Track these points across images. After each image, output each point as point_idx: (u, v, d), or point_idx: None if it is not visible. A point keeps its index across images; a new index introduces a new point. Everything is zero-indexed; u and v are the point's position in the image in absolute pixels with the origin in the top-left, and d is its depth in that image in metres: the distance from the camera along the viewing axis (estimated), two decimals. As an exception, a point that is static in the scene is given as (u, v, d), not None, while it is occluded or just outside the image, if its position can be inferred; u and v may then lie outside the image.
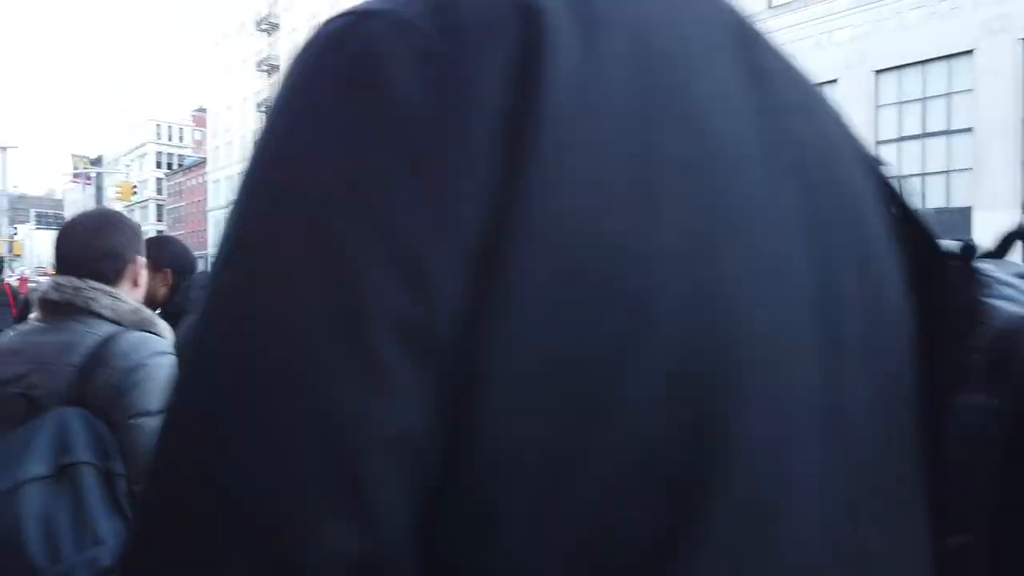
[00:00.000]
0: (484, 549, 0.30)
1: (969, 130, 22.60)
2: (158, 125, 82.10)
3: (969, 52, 22.07)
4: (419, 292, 0.30)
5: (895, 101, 23.99)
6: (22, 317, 6.02)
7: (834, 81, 24.74)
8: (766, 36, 0.44)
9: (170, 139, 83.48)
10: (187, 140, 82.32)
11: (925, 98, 23.71)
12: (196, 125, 78.22)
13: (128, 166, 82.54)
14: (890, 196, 0.45)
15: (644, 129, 0.34)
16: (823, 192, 0.40)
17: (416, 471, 0.29)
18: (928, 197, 23.67)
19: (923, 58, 22.86)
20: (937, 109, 23.52)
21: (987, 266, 0.45)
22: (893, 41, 22.96)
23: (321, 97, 0.33)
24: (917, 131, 23.80)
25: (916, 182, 23.53)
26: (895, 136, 23.82)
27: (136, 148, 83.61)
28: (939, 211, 23.19)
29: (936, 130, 23.38)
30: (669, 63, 0.36)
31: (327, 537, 0.28)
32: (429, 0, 0.34)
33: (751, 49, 0.41)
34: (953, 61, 22.90)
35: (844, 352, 0.38)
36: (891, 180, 0.46)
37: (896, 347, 0.41)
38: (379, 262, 0.30)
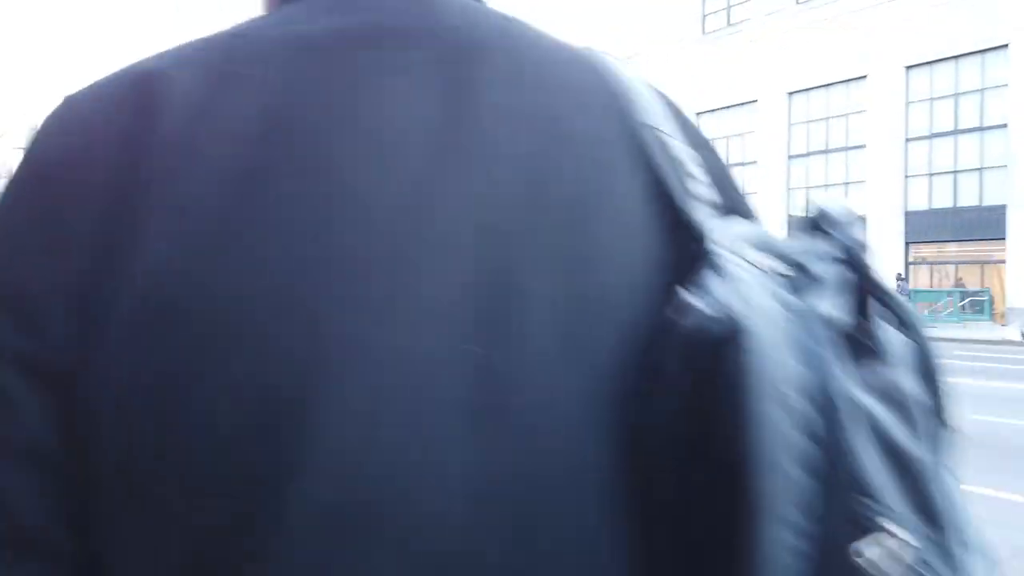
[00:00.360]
0: (101, 540, 0.38)
1: (1004, 126, 22.06)
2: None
3: (1004, 46, 21.52)
4: (31, 331, 0.37)
5: (926, 98, 23.52)
6: None
7: (863, 77, 24.32)
8: (503, 55, 0.47)
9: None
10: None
11: (957, 94, 23.21)
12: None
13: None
14: (664, 194, 0.47)
15: (249, 187, 0.39)
16: (516, 209, 0.43)
17: (49, 474, 0.37)
18: (960, 196, 23.14)
19: (956, 53, 22.37)
20: (970, 105, 23.02)
21: (744, 251, 0.44)
22: (924, 36, 22.49)
23: None
24: (949, 128, 23.32)
25: (948, 180, 23.02)
26: (927, 133, 23.34)
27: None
28: (972, 210, 22.65)
29: (969, 127, 22.88)
30: (299, 116, 0.41)
31: None
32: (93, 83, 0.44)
33: (464, 67, 0.45)
34: (987, 56, 22.37)
35: (512, 357, 0.41)
36: (661, 162, 0.47)
37: (607, 347, 0.43)
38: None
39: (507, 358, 0.41)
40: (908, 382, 0.40)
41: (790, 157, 26.02)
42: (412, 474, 0.38)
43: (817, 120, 25.42)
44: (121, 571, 0.37)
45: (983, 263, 22.71)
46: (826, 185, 25.19)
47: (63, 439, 0.37)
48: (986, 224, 21.92)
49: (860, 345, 0.40)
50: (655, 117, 0.50)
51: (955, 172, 22.65)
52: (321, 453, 0.37)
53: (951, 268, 23.58)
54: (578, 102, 0.49)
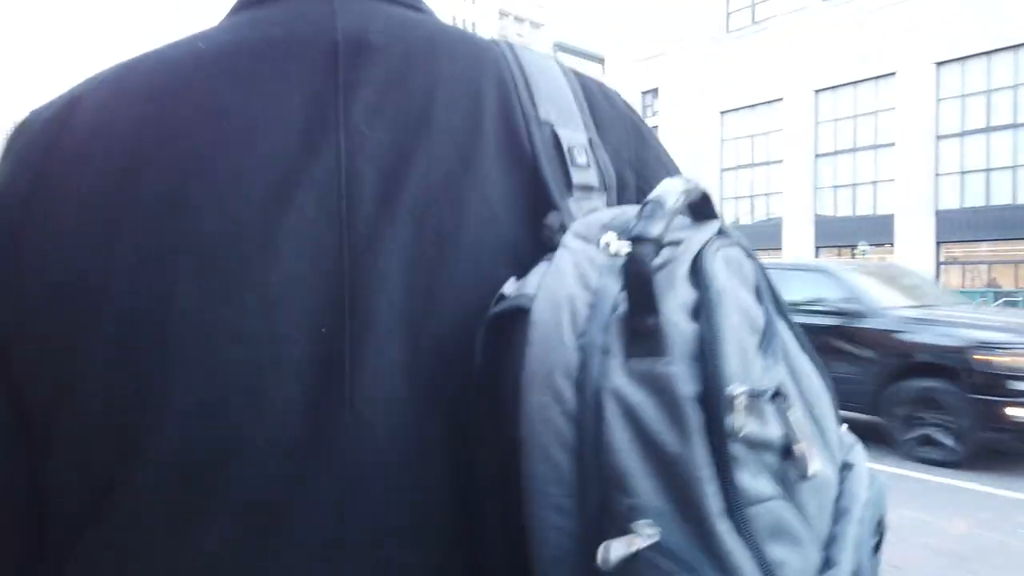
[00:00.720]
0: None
1: (1038, 123, 21.62)
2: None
3: (1038, 41, 21.06)
4: None
5: (958, 94, 23.09)
6: None
7: (892, 74, 23.92)
8: (388, 57, 0.52)
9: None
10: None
11: (990, 90, 22.76)
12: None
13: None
14: (541, 186, 0.50)
15: (127, 172, 0.47)
16: (370, 202, 0.48)
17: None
18: (993, 194, 22.68)
19: (988, 49, 21.93)
20: (1003, 101, 22.56)
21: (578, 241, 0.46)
22: (955, 31, 22.08)
23: None
24: (981, 125, 22.87)
25: (980, 178, 22.56)
26: (958, 131, 22.91)
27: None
28: (1005, 208, 22.18)
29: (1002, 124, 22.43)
30: (179, 113, 0.49)
31: None
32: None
33: (344, 69, 0.50)
34: (1020, 51, 21.91)
35: (355, 339, 0.45)
36: (542, 160, 0.51)
37: (446, 334, 0.46)
38: None
39: (352, 342, 0.45)
40: (680, 374, 0.39)
41: (817, 156, 25.66)
42: (247, 439, 0.44)
43: (845, 118, 25.04)
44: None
45: (1017, 263, 22.23)
46: (854, 184, 24.83)
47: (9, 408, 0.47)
48: (1020, 223, 21.46)
49: (639, 335, 0.40)
50: (554, 107, 0.53)
51: (987, 170, 22.18)
52: (168, 420, 0.43)
53: (983, 268, 23.10)
54: (452, 98, 0.52)
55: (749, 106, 27.57)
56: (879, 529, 0.48)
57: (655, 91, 31.72)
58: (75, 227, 0.47)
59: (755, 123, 27.57)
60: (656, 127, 31.60)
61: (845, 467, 0.48)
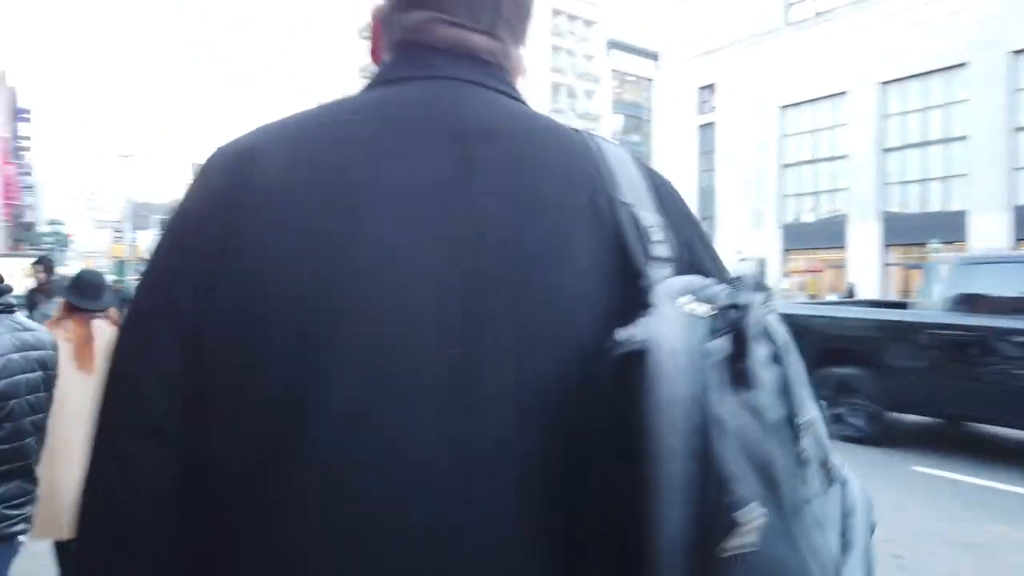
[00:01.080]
0: (202, 428, 0.61)
1: None
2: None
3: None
4: (170, 296, 0.62)
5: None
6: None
7: (963, 65, 23.00)
8: (504, 141, 0.67)
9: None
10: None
11: (1073, 80, 21.66)
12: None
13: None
14: (620, 245, 0.65)
15: (305, 218, 0.61)
16: (492, 258, 0.62)
17: (173, 387, 0.61)
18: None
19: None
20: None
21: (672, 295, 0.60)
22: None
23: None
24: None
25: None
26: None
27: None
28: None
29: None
30: (345, 174, 0.63)
31: (122, 407, 0.63)
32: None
33: (472, 149, 0.65)
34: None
35: (476, 360, 0.60)
36: (629, 235, 0.65)
37: (549, 364, 0.61)
38: (155, 282, 0.65)
39: (473, 360, 0.60)
40: (770, 403, 0.56)
41: (884, 150, 24.86)
42: (395, 430, 0.58)
43: (913, 111, 24.19)
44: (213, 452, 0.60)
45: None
46: (923, 179, 23.96)
47: (182, 360, 0.61)
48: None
49: (739, 374, 0.56)
50: (631, 192, 0.68)
51: (1069, 163, 21.15)
52: (332, 410, 0.58)
53: (1064, 266, 22.01)
54: (556, 181, 0.67)
55: (811, 100, 26.87)
56: (871, 525, 0.65)
57: (711, 87, 31.16)
58: (266, 250, 0.61)
59: (818, 117, 26.85)
60: (712, 124, 31.06)
61: (843, 481, 0.64)
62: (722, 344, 0.57)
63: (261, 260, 0.61)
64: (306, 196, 0.62)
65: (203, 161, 0.69)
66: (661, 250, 0.66)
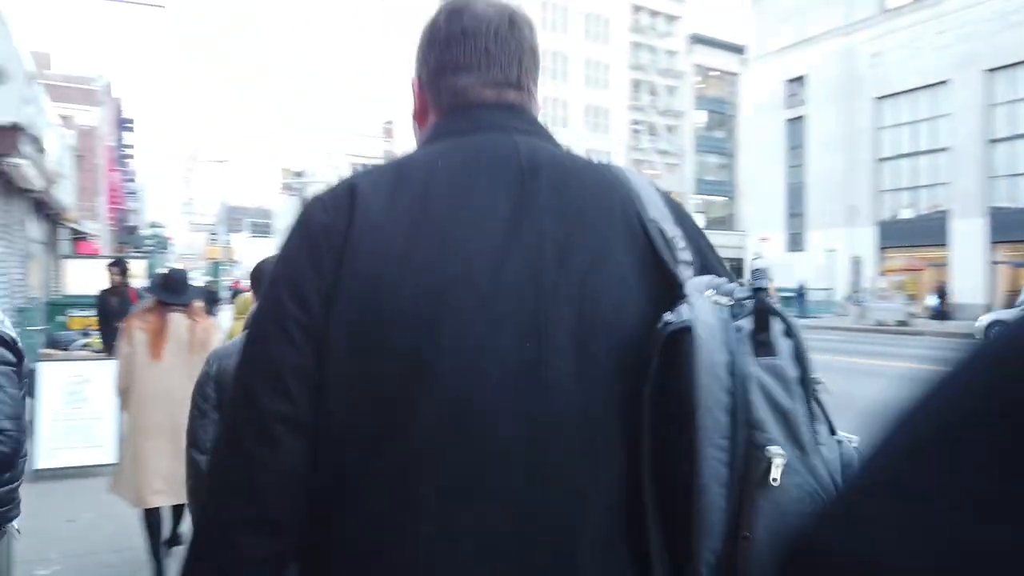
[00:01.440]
0: (322, 421, 0.80)
1: None
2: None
3: None
4: (304, 307, 0.80)
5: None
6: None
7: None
8: (551, 173, 0.87)
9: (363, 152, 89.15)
10: (378, 151, 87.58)
11: None
12: (385, 137, 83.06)
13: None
14: (652, 253, 0.85)
15: (405, 242, 0.80)
16: (551, 268, 0.81)
17: (308, 380, 0.79)
18: None
19: None
20: None
21: (703, 290, 0.80)
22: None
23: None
24: None
25: None
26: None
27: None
28: None
29: None
30: (434, 205, 0.82)
31: (271, 399, 0.79)
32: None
33: (527, 181, 0.85)
34: None
35: (545, 352, 0.78)
36: (659, 245, 0.85)
37: (605, 350, 0.80)
38: (287, 295, 0.81)
39: (543, 352, 0.78)
40: (788, 366, 0.74)
41: (990, 141, 23.39)
42: (484, 408, 0.77)
43: (1023, 100, 22.66)
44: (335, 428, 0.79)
45: None
46: (1035, 172, 22.41)
47: (314, 361, 0.79)
48: None
49: (763, 344, 0.74)
50: (655, 210, 0.88)
51: None
52: (436, 397, 0.77)
53: None
54: (595, 203, 0.86)
55: (908, 91, 25.56)
56: None
57: (801, 79, 30.07)
58: (367, 265, 0.80)
59: (916, 108, 25.52)
60: (801, 117, 29.95)
61: (841, 439, 0.78)
62: (746, 323, 0.75)
63: (371, 280, 0.79)
64: (403, 226, 0.81)
65: (316, 197, 0.88)
66: (685, 255, 0.85)
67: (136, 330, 3.65)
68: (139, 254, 19.81)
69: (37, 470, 5.31)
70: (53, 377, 5.59)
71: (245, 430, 0.78)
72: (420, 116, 0.99)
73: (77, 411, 5.59)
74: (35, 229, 12.14)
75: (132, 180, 38.33)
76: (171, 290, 3.74)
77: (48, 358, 6.53)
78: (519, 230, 0.82)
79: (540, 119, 0.97)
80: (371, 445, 0.77)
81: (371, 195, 0.83)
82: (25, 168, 8.65)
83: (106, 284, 7.45)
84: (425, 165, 0.86)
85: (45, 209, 12.78)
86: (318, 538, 0.79)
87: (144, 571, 3.61)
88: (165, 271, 4.12)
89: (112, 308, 7.04)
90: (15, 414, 1.82)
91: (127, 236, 31.01)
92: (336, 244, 0.80)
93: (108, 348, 6.92)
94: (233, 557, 0.77)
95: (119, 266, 7.52)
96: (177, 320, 3.66)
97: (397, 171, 0.86)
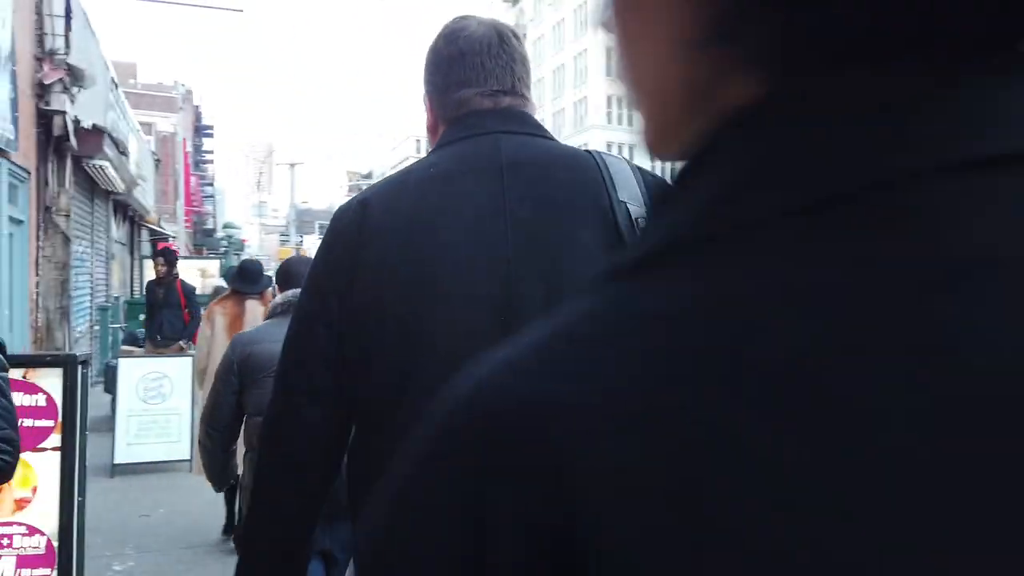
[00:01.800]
0: (361, 387, 1.07)
1: None
2: (418, 140, 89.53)
3: None
4: (324, 303, 1.07)
5: None
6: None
7: None
8: (530, 164, 1.04)
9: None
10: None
11: None
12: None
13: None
14: (619, 233, 1.00)
15: (402, 239, 1.02)
16: (522, 249, 0.98)
17: (330, 363, 1.06)
18: None
19: None
20: None
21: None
22: None
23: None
24: None
25: None
26: None
27: (400, 163, 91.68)
28: None
29: None
30: (426, 205, 1.03)
31: (310, 380, 1.09)
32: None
33: (506, 176, 1.02)
34: None
35: (516, 327, 0.81)
36: (623, 225, 1.00)
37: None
38: (310, 295, 1.11)
39: (515, 326, 0.84)
40: None
41: None
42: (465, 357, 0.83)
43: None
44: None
45: None
46: None
47: (335, 349, 1.04)
48: None
49: None
50: (626, 192, 1.02)
51: None
52: (430, 362, 0.95)
53: None
54: (565, 190, 1.02)
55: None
56: None
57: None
58: (375, 265, 1.01)
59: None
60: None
61: None
62: None
63: (375, 274, 1.01)
64: (401, 227, 1.02)
65: (341, 208, 1.12)
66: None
67: (217, 315, 4.11)
68: (215, 255, 20.41)
69: (114, 465, 5.45)
70: (131, 373, 5.73)
71: (282, 404, 1.10)
72: (432, 130, 1.18)
73: (154, 407, 5.72)
74: (117, 230, 12.60)
75: (211, 184, 39.67)
76: (247, 280, 4.21)
77: (127, 355, 6.71)
78: (496, 218, 0.99)
79: (538, 118, 1.15)
80: (389, 403, 0.98)
81: (377, 206, 1.05)
82: (108, 170, 8.97)
83: (153, 276, 7.64)
84: (422, 173, 1.07)
85: (127, 211, 13.26)
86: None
87: (216, 565, 3.63)
88: (240, 263, 4.67)
89: (158, 299, 7.21)
90: (14, 424, 1.80)
91: (204, 238, 32.10)
92: (351, 248, 1.03)
93: (152, 337, 7.09)
94: (296, 423, 1.06)
95: (165, 257, 7.68)
96: (252, 306, 4.06)
97: (401, 182, 1.09)
